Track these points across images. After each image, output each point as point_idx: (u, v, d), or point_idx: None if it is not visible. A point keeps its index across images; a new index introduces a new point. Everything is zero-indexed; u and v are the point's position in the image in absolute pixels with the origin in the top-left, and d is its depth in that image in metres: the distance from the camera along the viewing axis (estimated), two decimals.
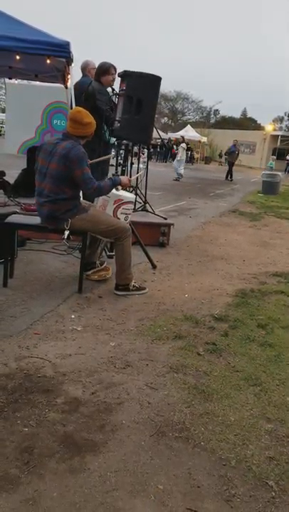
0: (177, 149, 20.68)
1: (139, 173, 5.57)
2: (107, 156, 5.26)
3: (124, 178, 4.14)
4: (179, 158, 18.45)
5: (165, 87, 49.03)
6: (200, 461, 2.05)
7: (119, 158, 7.97)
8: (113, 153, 7.23)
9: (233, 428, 2.31)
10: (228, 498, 1.85)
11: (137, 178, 5.50)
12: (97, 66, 5.43)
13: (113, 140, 5.57)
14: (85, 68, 5.86)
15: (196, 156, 39.42)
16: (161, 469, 1.97)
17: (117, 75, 5.17)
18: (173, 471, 1.97)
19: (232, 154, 22.53)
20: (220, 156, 42.70)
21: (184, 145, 19.24)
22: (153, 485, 1.88)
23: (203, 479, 1.94)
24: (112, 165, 6.77)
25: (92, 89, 5.25)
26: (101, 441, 2.11)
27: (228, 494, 1.87)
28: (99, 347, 3.05)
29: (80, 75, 5.89)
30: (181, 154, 18.54)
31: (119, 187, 4.05)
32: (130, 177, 4.82)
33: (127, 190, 4.44)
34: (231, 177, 22.12)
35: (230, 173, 22.25)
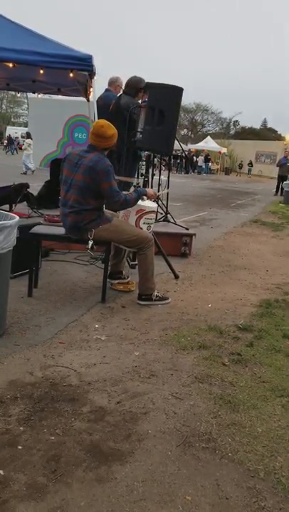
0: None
1: (165, 190, 5.60)
2: (131, 179, 5.32)
3: (149, 190, 4.16)
4: (27, 153, 17.99)
5: (185, 99, 49.28)
6: (228, 473, 2.02)
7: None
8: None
9: (260, 439, 2.27)
10: (257, 511, 1.82)
11: (161, 193, 5.56)
12: (130, 81, 5.49)
13: (142, 154, 5.60)
14: (112, 83, 5.94)
15: (215, 166, 39.49)
16: (189, 480, 1.95)
17: None
18: (200, 482, 1.94)
19: (283, 167, 20.08)
20: (240, 167, 42.64)
21: (28, 141, 18.00)
22: (181, 496, 1.86)
23: (232, 491, 1.91)
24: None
25: (126, 103, 5.30)
26: (127, 450, 2.10)
27: (257, 506, 1.84)
28: (123, 356, 3.05)
29: (103, 87, 5.98)
30: (29, 149, 17.87)
31: (145, 197, 4.07)
32: (152, 188, 4.85)
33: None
34: (283, 191, 19.30)
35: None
